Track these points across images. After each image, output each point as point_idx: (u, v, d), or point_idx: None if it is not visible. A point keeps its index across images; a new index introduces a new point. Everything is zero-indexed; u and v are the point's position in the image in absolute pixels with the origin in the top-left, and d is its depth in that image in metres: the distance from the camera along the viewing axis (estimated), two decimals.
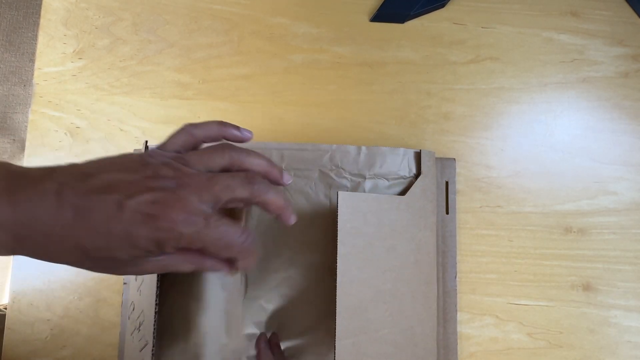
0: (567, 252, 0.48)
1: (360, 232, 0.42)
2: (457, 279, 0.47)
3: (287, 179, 0.33)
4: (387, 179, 0.46)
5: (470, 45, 0.52)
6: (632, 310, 0.47)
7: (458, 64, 0.51)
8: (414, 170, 0.46)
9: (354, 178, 0.46)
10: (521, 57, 0.52)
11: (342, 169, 0.46)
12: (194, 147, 0.31)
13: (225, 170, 0.29)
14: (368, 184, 0.46)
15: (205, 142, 0.32)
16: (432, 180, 0.46)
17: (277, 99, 0.51)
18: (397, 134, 0.50)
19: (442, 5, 0.52)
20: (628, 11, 0.52)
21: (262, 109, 0.50)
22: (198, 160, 0.28)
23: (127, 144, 0.49)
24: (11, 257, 0.43)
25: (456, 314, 0.46)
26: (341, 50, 0.51)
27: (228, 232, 0.27)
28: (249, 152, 0.30)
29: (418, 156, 0.46)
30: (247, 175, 0.29)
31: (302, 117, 0.50)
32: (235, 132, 0.32)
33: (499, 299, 0.48)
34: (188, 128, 0.31)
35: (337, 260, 0.41)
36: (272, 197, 0.29)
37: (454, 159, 0.49)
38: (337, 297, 0.40)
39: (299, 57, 0.51)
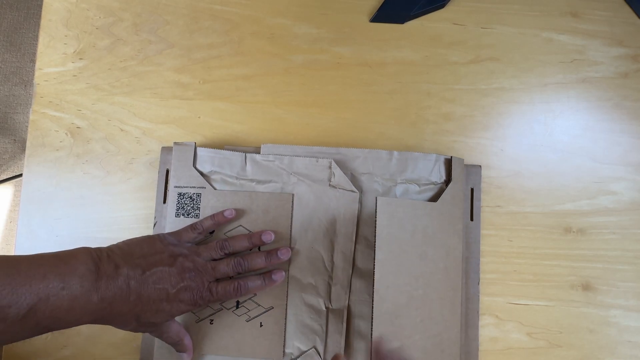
0: (567, 252, 0.48)
1: (396, 238, 0.42)
2: (479, 284, 0.47)
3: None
4: (418, 185, 0.46)
5: (470, 45, 0.52)
6: (631, 310, 0.48)
7: (458, 64, 0.51)
8: (444, 177, 0.46)
9: (385, 183, 0.46)
10: (521, 57, 0.52)
11: (374, 173, 0.46)
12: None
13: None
14: (399, 189, 0.46)
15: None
16: (461, 187, 0.46)
17: (278, 99, 0.51)
18: (397, 134, 0.50)
19: (442, 6, 0.52)
20: (628, 11, 0.52)
21: (262, 109, 0.50)
22: (207, 254, 0.43)
23: (128, 144, 0.50)
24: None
25: (478, 319, 0.46)
26: (341, 50, 0.51)
27: (225, 290, 0.42)
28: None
29: (448, 162, 0.47)
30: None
31: (303, 117, 0.50)
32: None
33: (498, 299, 0.48)
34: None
35: (374, 266, 0.41)
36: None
37: (480, 166, 0.49)
38: (373, 303, 0.40)
39: (300, 58, 0.51)
